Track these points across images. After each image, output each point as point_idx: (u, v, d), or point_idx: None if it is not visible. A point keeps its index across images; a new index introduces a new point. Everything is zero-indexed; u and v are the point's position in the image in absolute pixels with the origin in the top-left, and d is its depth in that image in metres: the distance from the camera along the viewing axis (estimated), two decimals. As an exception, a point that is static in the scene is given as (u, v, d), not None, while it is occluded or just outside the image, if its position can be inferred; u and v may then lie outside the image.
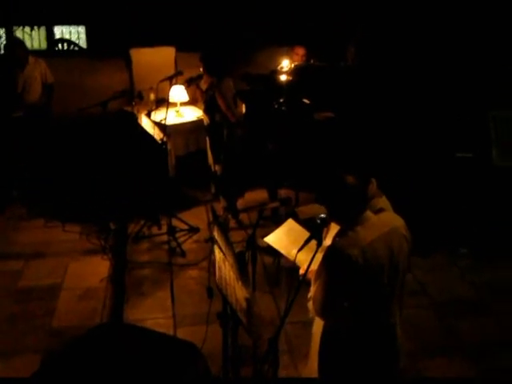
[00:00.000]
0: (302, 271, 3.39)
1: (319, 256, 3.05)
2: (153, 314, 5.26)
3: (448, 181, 6.47)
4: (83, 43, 10.04)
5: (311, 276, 3.13)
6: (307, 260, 3.12)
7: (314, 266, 3.07)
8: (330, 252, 2.98)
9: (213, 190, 7.23)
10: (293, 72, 7.23)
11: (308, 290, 3.16)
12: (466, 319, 5.21)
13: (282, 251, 3.88)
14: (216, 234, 3.51)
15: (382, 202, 3.36)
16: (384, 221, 3.08)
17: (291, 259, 3.49)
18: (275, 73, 7.32)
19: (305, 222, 3.99)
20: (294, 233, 3.90)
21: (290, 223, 4.05)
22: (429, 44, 7.51)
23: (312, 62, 7.72)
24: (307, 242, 3.16)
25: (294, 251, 3.26)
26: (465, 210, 6.31)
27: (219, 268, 3.34)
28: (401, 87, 7.00)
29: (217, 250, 3.40)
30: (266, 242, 3.99)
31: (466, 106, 6.78)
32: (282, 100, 7.01)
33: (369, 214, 3.02)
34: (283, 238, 3.94)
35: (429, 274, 5.84)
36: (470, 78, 6.98)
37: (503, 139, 6.70)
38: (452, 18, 7.64)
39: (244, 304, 3.41)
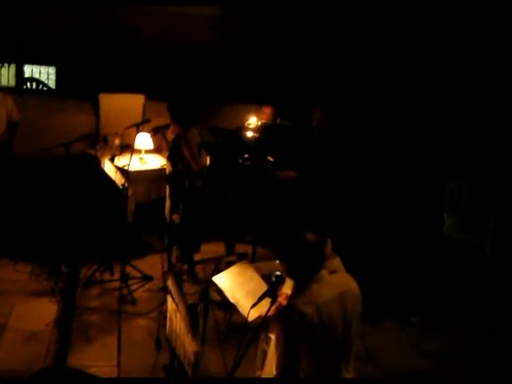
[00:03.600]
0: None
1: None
2: (98, 361, 5.12)
3: (400, 249, 6.57)
4: (52, 84, 10.03)
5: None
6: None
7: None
8: (286, 310, 2.99)
9: (166, 241, 7.15)
10: (259, 129, 7.35)
11: (256, 347, 3.15)
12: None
13: (227, 293, 3.86)
14: (170, 284, 3.47)
15: (336, 263, 3.40)
16: (339, 281, 3.12)
17: (233, 302, 3.48)
18: (242, 129, 7.43)
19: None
20: (244, 275, 3.89)
21: (241, 265, 4.03)
22: (391, 108, 7.72)
23: (279, 121, 7.87)
24: (261, 298, 3.16)
25: (238, 295, 3.26)
26: (416, 279, 6.39)
27: (170, 319, 3.29)
28: (362, 152, 7.15)
29: (169, 300, 3.37)
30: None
31: (423, 175, 6.96)
32: (247, 155, 7.08)
33: (325, 273, 3.06)
34: (231, 280, 3.92)
35: (378, 341, 5.84)
36: (430, 147, 7.18)
37: (457, 211, 6.87)
38: (408, 85, 7.86)
39: (192, 358, 3.35)
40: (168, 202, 6.87)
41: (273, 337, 3.16)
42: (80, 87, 8.89)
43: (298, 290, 3.07)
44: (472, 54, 7.43)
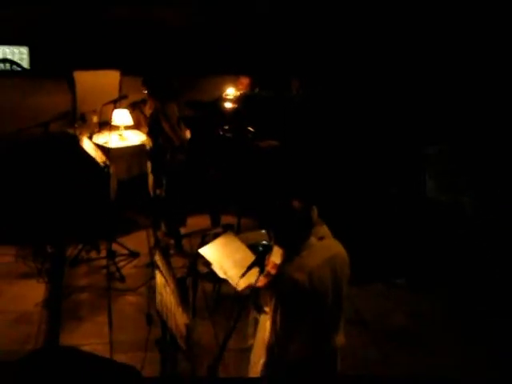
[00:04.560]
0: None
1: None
2: (89, 339, 5.15)
3: (385, 213, 6.63)
4: (26, 64, 9.88)
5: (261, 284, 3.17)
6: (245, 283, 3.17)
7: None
8: (278, 277, 3.03)
9: (151, 217, 7.15)
10: (238, 100, 7.32)
11: (247, 317, 3.18)
12: (401, 348, 5.29)
13: (214, 264, 3.88)
14: (158, 259, 3.48)
15: (323, 229, 3.42)
16: (327, 247, 3.17)
17: (220, 274, 3.51)
18: (220, 100, 7.39)
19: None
20: (230, 246, 3.91)
21: (227, 236, 4.05)
22: (368, 77, 7.72)
23: (257, 91, 7.84)
24: (250, 268, 3.18)
25: (225, 266, 3.29)
26: (401, 242, 6.46)
27: (160, 293, 3.31)
28: (341, 120, 7.17)
29: (158, 275, 3.38)
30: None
31: (400, 142, 7.00)
32: (226, 127, 7.07)
33: (313, 239, 3.10)
34: (218, 251, 3.93)
35: (365, 303, 5.92)
36: (403, 116, 7.21)
37: (437, 173, 6.93)
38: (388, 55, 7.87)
39: (184, 330, 3.38)
40: (151, 178, 6.86)
41: (267, 309, 3.19)
42: (54, 66, 8.76)
43: (287, 258, 3.10)
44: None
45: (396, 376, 4.82)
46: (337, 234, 3.42)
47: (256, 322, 3.67)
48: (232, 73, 8.17)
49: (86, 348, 4.93)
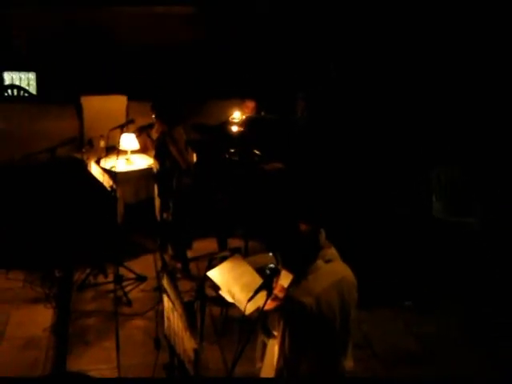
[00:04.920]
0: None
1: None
2: (97, 364, 5.13)
3: (392, 235, 6.61)
4: (33, 90, 9.98)
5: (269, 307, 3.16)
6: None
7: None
8: (286, 302, 3.02)
9: (158, 240, 7.15)
10: (244, 123, 7.36)
11: (255, 341, 3.17)
12: (410, 370, 5.25)
13: (222, 288, 3.88)
14: (165, 283, 3.48)
15: (331, 252, 3.41)
16: (335, 270, 3.15)
17: (228, 298, 3.50)
18: (226, 124, 7.43)
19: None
20: (238, 270, 3.91)
21: (235, 259, 4.05)
22: (373, 99, 7.76)
23: (262, 114, 7.88)
24: (257, 292, 3.18)
25: (233, 289, 3.28)
26: (408, 264, 6.44)
27: (168, 318, 3.31)
28: (348, 140, 7.18)
29: (165, 299, 3.38)
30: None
31: (407, 163, 7.01)
32: (232, 150, 7.09)
33: (320, 262, 3.09)
34: (226, 274, 3.93)
35: (373, 326, 5.88)
36: (416, 134, 7.23)
37: (445, 194, 6.93)
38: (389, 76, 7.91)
39: (192, 355, 3.36)
40: (157, 201, 6.87)
41: (275, 333, 3.18)
42: (61, 92, 8.84)
43: (294, 281, 3.10)
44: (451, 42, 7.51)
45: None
46: (344, 257, 3.41)
47: (264, 345, 3.66)
48: (237, 97, 8.22)
49: (94, 373, 4.93)
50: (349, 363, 3.27)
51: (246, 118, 7.58)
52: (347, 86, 7.90)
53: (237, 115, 7.65)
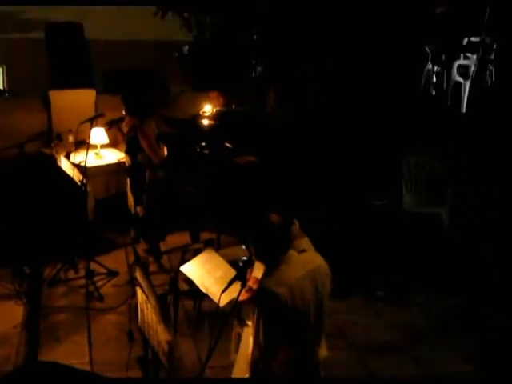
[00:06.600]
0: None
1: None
2: (69, 359, 5.04)
3: (365, 226, 6.66)
4: (0, 84, 9.84)
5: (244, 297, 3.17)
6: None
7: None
8: (260, 293, 3.03)
9: (132, 234, 7.12)
10: (215, 117, 7.34)
11: (229, 333, 3.17)
12: (384, 360, 5.30)
13: (196, 281, 3.88)
14: (138, 276, 3.47)
15: (305, 242, 3.44)
16: (308, 259, 3.18)
17: (202, 290, 3.51)
18: (198, 117, 7.41)
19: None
20: (211, 263, 3.92)
21: (207, 253, 4.05)
22: (347, 91, 7.79)
23: (234, 107, 7.88)
24: (231, 283, 3.18)
25: (207, 283, 3.29)
26: (380, 254, 6.50)
27: (141, 310, 3.29)
28: (320, 132, 7.21)
29: (139, 292, 3.36)
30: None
31: (382, 153, 7.05)
32: (204, 144, 7.08)
33: (293, 253, 3.10)
34: (199, 269, 3.94)
35: (346, 316, 5.92)
36: (386, 126, 7.28)
37: (415, 185, 7.00)
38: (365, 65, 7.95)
39: (166, 347, 3.36)
40: (130, 195, 6.83)
41: (249, 322, 3.19)
42: (29, 86, 8.73)
43: (267, 272, 3.11)
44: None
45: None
46: (318, 247, 3.43)
47: (239, 337, 3.67)
48: (204, 89, 8.23)
49: (66, 369, 4.88)
50: (323, 352, 3.29)
51: (217, 111, 7.57)
52: (322, 78, 7.90)
53: (208, 108, 7.63)
